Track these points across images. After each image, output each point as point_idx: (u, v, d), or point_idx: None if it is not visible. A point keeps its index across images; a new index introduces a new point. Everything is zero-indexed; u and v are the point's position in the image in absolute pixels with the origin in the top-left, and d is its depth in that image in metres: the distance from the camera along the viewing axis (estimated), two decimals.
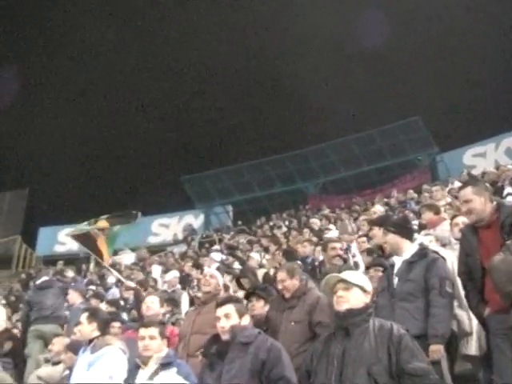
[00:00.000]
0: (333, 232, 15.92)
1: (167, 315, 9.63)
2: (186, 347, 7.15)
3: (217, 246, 23.91)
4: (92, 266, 20.08)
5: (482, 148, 34.78)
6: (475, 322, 6.34)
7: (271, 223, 28.11)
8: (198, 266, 15.06)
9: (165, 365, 5.88)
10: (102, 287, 18.10)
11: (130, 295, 14.30)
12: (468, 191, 5.92)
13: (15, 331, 12.43)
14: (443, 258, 6.57)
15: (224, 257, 17.17)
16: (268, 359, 5.13)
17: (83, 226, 12.39)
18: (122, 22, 45.70)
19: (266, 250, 16.48)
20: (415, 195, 21.90)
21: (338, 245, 8.82)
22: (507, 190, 14.82)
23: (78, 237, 11.45)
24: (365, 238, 11.97)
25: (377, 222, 9.79)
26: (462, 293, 6.29)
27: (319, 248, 10.53)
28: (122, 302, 14.10)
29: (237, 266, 14.44)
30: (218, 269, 12.25)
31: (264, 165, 38.89)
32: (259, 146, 42.44)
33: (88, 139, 46.79)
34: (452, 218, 8.81)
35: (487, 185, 8.65)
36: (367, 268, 7.86)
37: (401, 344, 4.63)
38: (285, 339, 6.39)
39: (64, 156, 45.89)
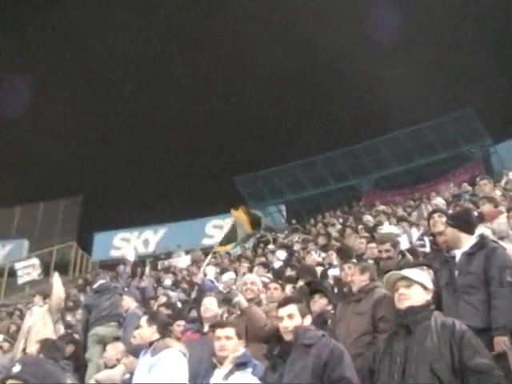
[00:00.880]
0: (387, 228, 15.82)
1: (225, 315, 9.66)
2: None
3: (271, 246, 23.88)
4: (148, 269, 20.20)
5: None
6: None
7: (325, 221, 28.01)
8: (265, 266, 15.21)
9: (240, 365, 5.85)
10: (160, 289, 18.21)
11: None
12: None
13: (76, 336, 12.56)
14: (503, 247, 6.48)
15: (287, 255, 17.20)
16: (330, 360, 5.11)
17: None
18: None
19: (323, 248, 16.47)
20: (469, 188, 21.66)
21: (387, 246, 8.71)
22: None
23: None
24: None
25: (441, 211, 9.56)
26: None
27: (373, 245, 10.46)
28: (179, 305, 14.23)
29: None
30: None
31: (316, 163, 38.78)
32: (310, 144, 42.36)
33: (140, 144, 47.25)
34: (508, 211, 8.71)
35: None
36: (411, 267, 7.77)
37: (463, 340, 4.62)
38: (346, 329, 6.52)
39: (117, 162, 46.36)
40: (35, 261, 27.51)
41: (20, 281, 24.80)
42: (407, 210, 21.73)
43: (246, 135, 45.40)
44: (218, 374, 5.86)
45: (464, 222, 6.75)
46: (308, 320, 5.60)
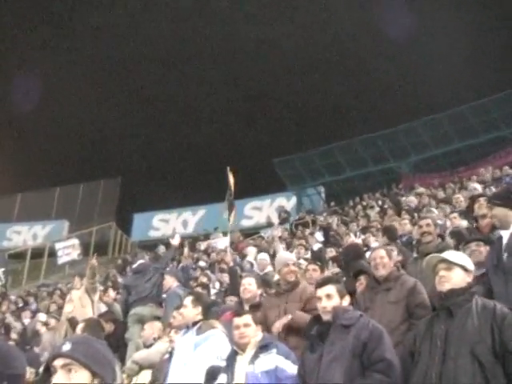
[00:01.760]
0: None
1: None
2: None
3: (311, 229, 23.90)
4: (186, 250, 20.23)
5: None
6: None
7: (363, 203, 27.92)
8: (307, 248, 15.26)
9: (263, 347, 5.88)
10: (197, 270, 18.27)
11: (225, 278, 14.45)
12: None
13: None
14: None
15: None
16: (370, 341, 5.11)
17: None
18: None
19: (362, 230, 16.45)
20: (511, 171, 21.45)
21: (428, 221, 8.63)
22: None
23: None
24: (456, 214, 11.84)
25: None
26: None
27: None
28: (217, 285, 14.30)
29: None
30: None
31: (355, 144, 38.47)
32: (350, 126, 42.19)
33: (180, 125, 47.32)
34: None
35: None
36: (467, 243, 7.63)
37: (504, 323, 4.57)
38: (379, 319, 6.35)
39: (156, 143, 46.58)
40: (75, 241, 27.75)
41: (60, 261, 25.02)
42: (447, 192, 21.60)
43: (286, 117, 45.38)
44: (242, 361, 5.89)
45: (509, 198, 6.55)
46: (346, 300, 5.61)
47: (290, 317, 7.03)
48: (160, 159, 47.11)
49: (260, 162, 41.28)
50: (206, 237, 30.65)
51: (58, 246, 26.75)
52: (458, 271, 5.04)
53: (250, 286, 8.02)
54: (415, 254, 8.84)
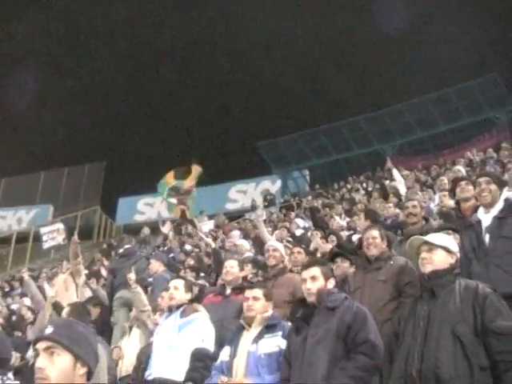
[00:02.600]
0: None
1: (250, 276, 9.73)
2: None
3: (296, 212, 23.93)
4: (172, 233, 20.20)
5: None
6: None
7: (348, 186, 28.00)
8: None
9: (270, 327, 5.85)
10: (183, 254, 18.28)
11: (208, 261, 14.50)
12: None
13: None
14: None
15: (307, 224, 17.15)
16: (354, 323, 5.15)
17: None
18: None
19: (347, 212, 16.49)
20: (495, 154, 21.55)
21: (414, 203, 8.69)
22: None
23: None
24: (446, 193, 11.90)
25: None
26: None
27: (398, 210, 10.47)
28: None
29: None
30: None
31: (340, 128, 38.59)
32: (335, 109, 42.23)
33: (162, 108, 47.25)
34: None
35: None
36: (438, 231, 7.69)
37: (485, 302, 4.63)
38: (369, 297, 6.51)
39: (140, 126, 46.48)
40: (60, 225, 27.62)
41: (45, 246, 24.89)
42: (432, 175, 21.69)
43: (271, 99, 45.34)
44: (247, 337, 5.87)
45: (500, 179, 6.81)
46: (331, 283, 5.61)
47: None
48: (145, 143, 47.07)
49: (245, 145, 41.30)
50: None
51: (42, 230, 26.59)
52: (440, 253, 5.10)
53: (232, 269, 8.02)
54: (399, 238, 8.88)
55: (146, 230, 25.53)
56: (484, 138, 33.11)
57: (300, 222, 17.42)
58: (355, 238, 10.94)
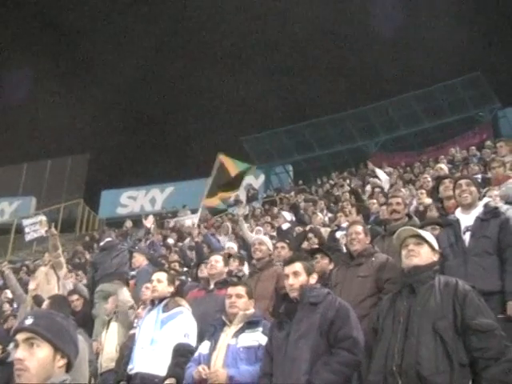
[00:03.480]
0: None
1: (234, 271, 9.77)
2: None
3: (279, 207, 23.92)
4: (153, 227, 20.16)
5: None
6: None
7: (331, 182, 28.02)
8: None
9: (251, 323, 5.91)
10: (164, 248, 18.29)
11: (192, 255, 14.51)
12: None
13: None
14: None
15: (294, 218, 17.14)
16: (336, 319, 5.17)
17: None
18: None
19: (329, 208, 16.50)
20: (478, 153, 21.62)
21: (398, 200, 8.71)
22: None
23: None
24: (424, 191, 11.95)
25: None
26: None
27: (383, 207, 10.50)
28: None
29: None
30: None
31: (323, 124, 38.67)
32: (318, 106, 42.30)
33: (147, 101, 47.20)
34: None
35: None
36: (422, 226, 7.74)
37: (465, 300, 4.65)
38: (348, 292, 6.56)
39: (124, 120, 46.38)
40: (42, 218, 27.54)
41: (27, 238, 24.83)
42: (415, 172, 21.77)
43: (254, 94, 45.32)
44: (227, 332, 5.92)
45: (477, 183, 6.97)
46: (314, 278, 5.64)
47: None
48: (128, 136, 46.97)
49: (229, 139, 41.28)
50: (174, 214, 30.67)
51: (25, 222, 26.53)
52: (426, 248, 5.12)
53: (216, 263, 8.04)
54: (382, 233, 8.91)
55: (128, 223, 25.54)
56: (467, 136, 33.25)
57: (287, 215, 17.36)
58: (339, 234, 10.98)
